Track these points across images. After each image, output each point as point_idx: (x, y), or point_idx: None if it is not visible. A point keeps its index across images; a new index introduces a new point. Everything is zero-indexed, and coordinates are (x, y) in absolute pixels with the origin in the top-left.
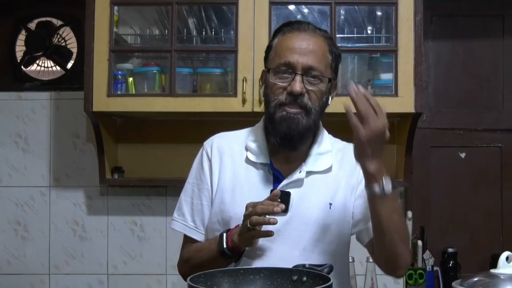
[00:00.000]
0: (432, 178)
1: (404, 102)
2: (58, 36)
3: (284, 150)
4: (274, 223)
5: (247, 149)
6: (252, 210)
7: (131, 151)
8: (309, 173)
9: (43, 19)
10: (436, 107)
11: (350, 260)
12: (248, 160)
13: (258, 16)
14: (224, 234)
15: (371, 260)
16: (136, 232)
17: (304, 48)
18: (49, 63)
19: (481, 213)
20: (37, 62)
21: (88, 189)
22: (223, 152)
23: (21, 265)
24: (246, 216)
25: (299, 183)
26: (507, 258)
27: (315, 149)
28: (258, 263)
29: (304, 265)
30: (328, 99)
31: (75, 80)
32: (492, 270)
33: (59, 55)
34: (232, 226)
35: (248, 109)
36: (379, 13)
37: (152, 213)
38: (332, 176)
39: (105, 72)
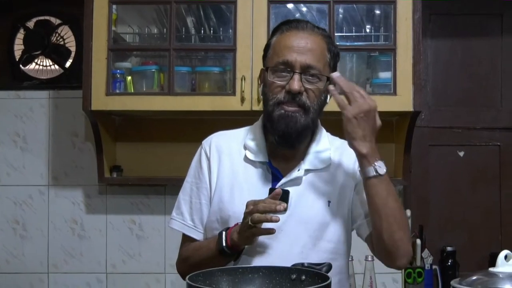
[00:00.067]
0: (431, 176)
1: (402, 100)
2: (57, 35)
3: (283, 148)
4: (277, 220)
5: (245, 147)
6: (254, 208)
7: (129, 150)
8: (307, 171)
9: (42, 18)
10: (434, 105)
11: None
12: (246, 159)
13: (257, 15)
14: (223, 233)
15: (370, 258)
16: (135, 231)
17: (302, 47)
18: (48, 62)
19: (480, 211)
20: (36, 61)
21: (86, 188)
22: (222, 151)
23: (20, 264)
24: (247, 214)
25: (297, 181)
26: (505, 257)
27: (314, 148)
28: (257, 261)
29: (302, 264)
30: (326, 97)
31: (74, 79)
32: (491, 269)
33: (58, 54)
34: (231, 224)
35: (246, 108)
36: (377, 12)
37: (151, 212)
38: (331, 174)
39: (103, 71)
